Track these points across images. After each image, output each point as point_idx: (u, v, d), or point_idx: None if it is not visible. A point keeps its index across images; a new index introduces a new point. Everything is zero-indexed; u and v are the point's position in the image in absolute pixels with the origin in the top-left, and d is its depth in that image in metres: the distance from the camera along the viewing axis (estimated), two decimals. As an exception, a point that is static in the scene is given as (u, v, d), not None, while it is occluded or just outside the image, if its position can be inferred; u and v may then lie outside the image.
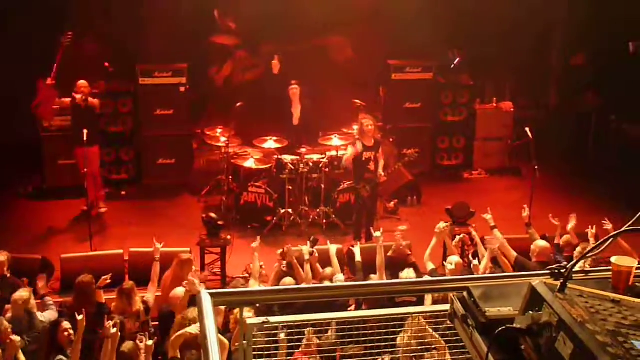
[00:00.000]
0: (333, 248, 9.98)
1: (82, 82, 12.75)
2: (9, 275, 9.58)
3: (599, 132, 15.91)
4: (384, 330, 4.68)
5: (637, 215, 3.35)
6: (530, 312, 3.08)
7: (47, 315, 8.78)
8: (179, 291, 8.79)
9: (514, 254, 9.82)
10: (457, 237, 10.40)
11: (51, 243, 11.99)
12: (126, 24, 14.49)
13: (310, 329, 6.93)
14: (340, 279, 9.32)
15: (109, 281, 8.98)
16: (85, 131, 11.96)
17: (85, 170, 11.92)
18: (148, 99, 14.18)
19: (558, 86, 16.86)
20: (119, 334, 7.82)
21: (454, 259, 9.52)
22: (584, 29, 15.36)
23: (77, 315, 7.84)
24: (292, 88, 13.80)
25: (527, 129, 12.68)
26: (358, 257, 9.95)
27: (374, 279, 9.55)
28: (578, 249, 9.76)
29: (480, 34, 15.27)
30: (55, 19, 13.90)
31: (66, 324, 8.03)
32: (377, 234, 9.88)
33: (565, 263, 3.26)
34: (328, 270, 9.57)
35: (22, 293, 8.71)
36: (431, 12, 14.54)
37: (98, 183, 13.11)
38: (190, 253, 10.29)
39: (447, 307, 3.79)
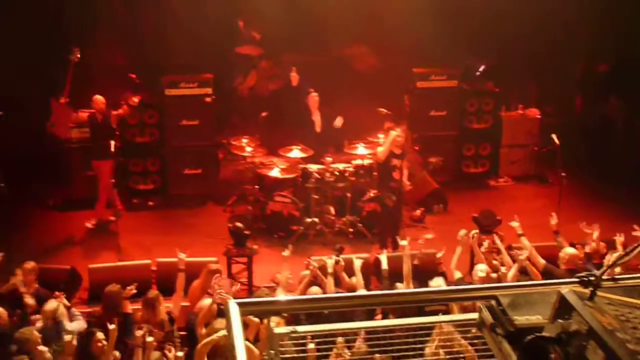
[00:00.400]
0: (358, 263, 9.88)
1: (98, 97, 12.84)
2: (37, 285, 9.66)
3: (625, 138, 15.77)
4: (412, 340, 4.67)
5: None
6: (560, 321, 3.06)
7: (75, 326, 8.83)
8: (207, 302, 8.84)
9: (542, 261, 9.78)
10: (486, 243, 10.32)
11: (79, 253, 12.07)
12: (152, 36, 14.58)
13: (341, 339, 6.92)
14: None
15: (134, 291, 9.03)
16: (112, 142, 12.05)
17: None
18: (174, 109, 14.25)
19: (583, 92, 16.75)
20: (149, 343, 7.88)
21: (484, 267, 9.49)
22: (608, 34, 15.26)
23: (108, 325, 7.89)
24: (312, 96, 13.82)
25: (554, 136, 12.61)
26: (384, 266, 9.93)
27: (400, 288, 9.54)
28: (607, 257, 9.69)
29: (505, 41, 15.22)
30: (79, 34, 14.03)
31: (100, 335, 8.07)
32: (404, 242, 9.86)
33: (595, 271, 3.24)
34: (354, 279, 9.56)
35: (52, 304, 8.77)
36: (455, 19, 14.53)
37: (111, 196, 13.15)
38: (217, 263, 10.32)
39: (475, 315, 3.78)
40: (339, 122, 13.60)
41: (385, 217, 12.46)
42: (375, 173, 12.98)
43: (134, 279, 9.57)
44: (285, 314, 6.34)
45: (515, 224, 10.35)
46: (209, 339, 7.88)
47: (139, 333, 7.82)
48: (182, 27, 14.46)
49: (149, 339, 7.83)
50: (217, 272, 9.57)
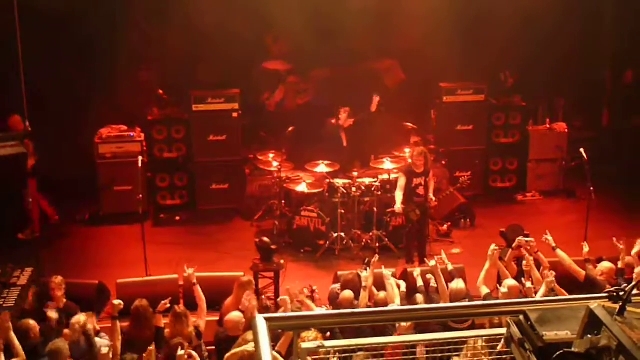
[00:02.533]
0: (389, 276, 9.83)
1: (17, 117, 12.65)
2: (65, 300, 9.72)
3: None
4: (439, 355, 4.65)
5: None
6: (589, 336, 3.05)
7: (104, 341, 8.87)
8: (234, 315, 8.87)
9: (583, 272, 9.74)
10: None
11: (107, 268, 12.12)
12: (179, 52, 14.67)
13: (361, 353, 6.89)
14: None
15: (168, 305, 9.07)
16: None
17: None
18: (201, 125, 14.32)
19: (611, 106, 16.64)
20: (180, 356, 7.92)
21: (508, 283, 9.44)
22: (634, 46, 15.17)
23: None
24: (342, 111, 13.86)
25: (582, 150, 12.55)
26: (420, 282, 9.92)
27: (419, 300, 9.53)
28: (637, 271, 9.60)
29: (532, 54, 15.18)
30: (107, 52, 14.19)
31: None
32: (432, 262, 9.79)
33: (625, 286, 3.22)
34: (382, 294, 9.53)
35: (80, 317, 8.83)
36: (482, 33, 14.52)
37: (42, 204, 13.27)
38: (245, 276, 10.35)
39: (503, 330, 3.77)
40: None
41: (410, 232, 12.42)
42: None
43: (162, 293, 9.61)
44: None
45: (548, 237, 10.27)
46: (237, 350, 7.92)
47: (180, 353, 7.89)
48: (209, 43, 14.52)
49: (180, 352, 7.89)
50: (249, 285, 9.60)
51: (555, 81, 15.76)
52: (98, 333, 9.14)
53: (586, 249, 10.33)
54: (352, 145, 14.01)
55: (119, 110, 14.73)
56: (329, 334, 7.55)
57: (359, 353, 6.77)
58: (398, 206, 12.08)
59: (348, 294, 9.38)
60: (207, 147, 14.36)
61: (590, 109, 16.78)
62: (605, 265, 9.98)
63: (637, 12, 14.20)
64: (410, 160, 12.37)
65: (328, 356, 4.46)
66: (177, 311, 8.97)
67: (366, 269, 9.75)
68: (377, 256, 9.98)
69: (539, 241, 10.39)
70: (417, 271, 10.21)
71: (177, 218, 14.32)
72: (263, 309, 9.29)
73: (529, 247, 10.19)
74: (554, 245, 10.13)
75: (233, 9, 14.30)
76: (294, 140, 14.56)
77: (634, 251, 10.26)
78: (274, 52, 15.68)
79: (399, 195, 12.09)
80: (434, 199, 12.29)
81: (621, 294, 3.21)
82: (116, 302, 8.97)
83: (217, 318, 9.57)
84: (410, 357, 5.07)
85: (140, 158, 12.50)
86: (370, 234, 12.90)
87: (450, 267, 10.05)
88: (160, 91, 14.48)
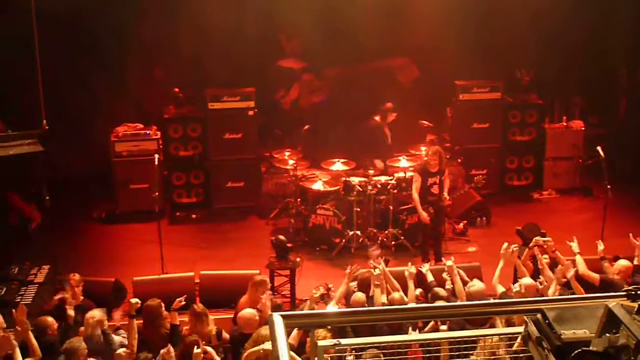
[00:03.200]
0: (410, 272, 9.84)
1: None
2: (82, 297, 9.77)
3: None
4: (456, 353, 4.64)
5: None
6: (607, 335, 3.03)
7: (121, 339, 8.91)
8: (247, 312, 8.89)
9: (597, 276, 9.70)
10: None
11: (124, 266, 12.17)
12: (195, 50, 14.70)
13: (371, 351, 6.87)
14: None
15: (183, 303, 9.10)
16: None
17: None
18: (217, 123, 14.34)
19: (627, 102, 16.55)
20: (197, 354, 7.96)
21: (524, 281, 9.40)
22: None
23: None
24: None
25: (599, 148, 12.49)
26: (430, 277, 9.91)
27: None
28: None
29: (548, 52, 15.10)
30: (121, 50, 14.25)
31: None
32: (449, 262, 9.75)
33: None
34: (396, 294, 9.51)
35: (94, 313, 8.87)
36: (497, 31, 14.46)
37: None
38: (260, 274, 10.37)
39: (520, 329, 3.75)
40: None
41: (425, 230, 12.40)
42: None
43: (178, 291, 9.65)
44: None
45: (573, 243, 10.23)
46: (255, 348, 7.94)
47: (197, 351, 7.92)
48: (225, 41, 14.54)
49: (197, 350, 7.93)
50: (262, 284, 9.60)
51: (571, 79, 15.68)
52: (117, 330, 9.20)
53: (601, 247, 10.29)
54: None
55: (136, 108, 14.79)
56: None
57: (368, 351, 6.80)
58: (424, 215, 12.04)
59: (359, 296, 9.35)
60: (222, 145, 14.37)
61: (606, 106, 16.68)
62: (622, 263, 9.94)
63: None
64: (425, 159, 12.33)
65: (344, 354, 4.45)
66: (197, 310, 8.99)
67: (375, 268, 9.72)
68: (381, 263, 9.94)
69: (557, 241, 10.35)
70: (425, 267, 10.19)
71: (193, 216, 14.35)
72: (275, 308, 9.30)
73: (545, 247, 10.15)
74: (577, 251, 10.08)
75: (248, 7, 14.31)
76: (310, 138, 14.59)
77: None
78: (288, 51, 15.67)
79: (416, 198, 12.06)
80: (448, 197, 12.24)
81: (639, 292, 3.19)
82: (133, 300, 9.00)
83: (232, 316, 9.58)
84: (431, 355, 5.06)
85: (156, 156, 12.54)
86: (386, 232, 12.88)
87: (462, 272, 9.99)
88: (176, 89, 14.51)
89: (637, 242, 10.30)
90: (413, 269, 9.82)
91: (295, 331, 7.79)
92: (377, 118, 14.18)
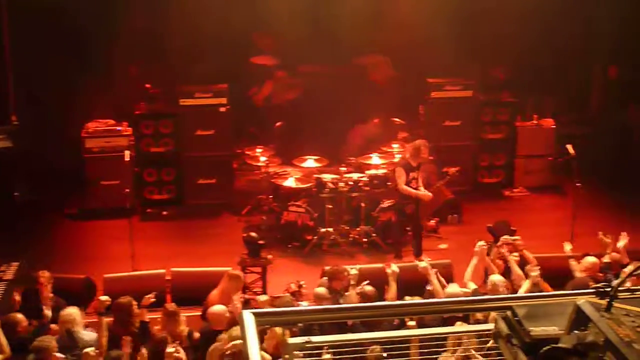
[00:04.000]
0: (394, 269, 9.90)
1: None
2: (52, 295, 9.69)
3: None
4: (427, 350, 4.66)
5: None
6: (576, 332, 3.05)
7: (91, 336, 8.83)
8: (218, 308, 8.88)
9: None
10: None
11: (94, 263, 12.08)
12: (167, 46, 14.64)
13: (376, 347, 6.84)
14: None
15: (153, 300, 9.06)
16: None
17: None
18: (189, 119, 14.29)
19: (599, 101, 16.68)
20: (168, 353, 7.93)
21: (494, 279, 9.47)
22: (622, 42, 15.17)
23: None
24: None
25: (569, 146, 12.58)
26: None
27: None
28: (630, 267, 9.63)
29: (520, 50, 15.17)
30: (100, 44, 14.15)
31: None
32: (423, 264, 9.75)
33: (613, 280, 3.23)
34: (367, 288, 9.54)
35: (67, 311, 8.80)
36: (471, 29, 14.52)
37: None
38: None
39: (490, 326, 3.77)
40: None
41: (401, 226, 12.41)
42: (390, 183, 13.00)
43: (149, 288, 9.60)
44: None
45: (568, 247, 10.36)
46: (220, 344, 7.95)
47: (170, 350, 7.89)
48: (197, 37, 14.50)
49: (170, 349, 7.89)
50: (238, 279, 9.61)
51: (544, 77, 15.76)
52: (85, 328, 9.12)
53: (568, 247, 10.40)
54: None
55: (107, 104, 14.68)
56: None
57: (374, 347, 6.81)
58: (427, 194, 12.19)
59: (320, 290, 9.41)
60: (194, 142, 14.32)
61: (577, 105, 16.80)
62: (589, 260, 10.02)
63: (623, 7, 14.22)
64: (407, 155, 12.33)
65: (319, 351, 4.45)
66: (169, 310, 8.95)
67: (355, 268, 9.77)
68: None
69: (529, 238, 10.44)
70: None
71: (165, 213, 14.27)
72: (244, 304, 9.30)
73: (513, 245, 10.23)
74: (570, 254, 10.26)
75: (221, 4, 14.26)
76: (283, 136, 14.57)
77: (619, 244, 10.31)
78: (262, 48, 15.63)
79: (407, 188, 12.07)
80: (428, 193, 12.27)
81: (608, 289, 3.21)
82: (103, 298, 8.95)
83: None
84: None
85: (127, 152, 12.48)
86: (358, 229, 12.90)
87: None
88: (148, 85, 14.43)
89: (608, 240, 10.40)
90: (395, 268, 9.87)
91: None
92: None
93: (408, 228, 12.87)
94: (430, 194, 12.20)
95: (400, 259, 11.98)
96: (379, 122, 14.52)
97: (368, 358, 6.93)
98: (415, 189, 12.14)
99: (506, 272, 10.12)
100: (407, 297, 9.55)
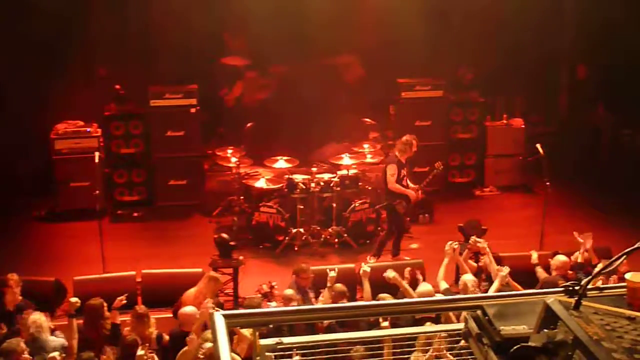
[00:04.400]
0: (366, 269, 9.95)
1: None
2: (21, 298, 9.60)
3: (612, 147, 15.81)
4: (399, 350, 4.67)
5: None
6: (545, 330, 3.06)
7: (59, 341, 8.76)
8: (189, 309, 8.85)
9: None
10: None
11: (64, 265, 11.98)
12: (137, 47, 14.57)
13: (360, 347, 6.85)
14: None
15: (124, 302, 9.02)
16: None
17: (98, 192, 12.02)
18: (159, 120, 14.22)
19: (568, 101, 16.81)
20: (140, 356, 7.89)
21: (465, 278, 9.53)
22: (592, 43, 15.29)
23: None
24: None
25: (538, 145, 12.67)
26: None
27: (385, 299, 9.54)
28: (599, 266, 9.73)
29: (490, 50, 15.23)
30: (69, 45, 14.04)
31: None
32: (392, 274, 9.70)
33: (583, 279, 3.25)
34: (338, 285, 9.57)
35: (35, 316, 8.73)
36: (440, 31, 14.56)
37: None
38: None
39: (461, 325, 3.78)
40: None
41: (391, 225, 12.38)
42: (360, 183, 13.05)
43: (119, 290, 9.55)
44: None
45: (534, 254, 10.45)
46: (189, 348, 7.93)
47: (140, 352, 7.85)
48: (167, 38, 14.44)
49: (140, 352, 7.85)
50: (215, 280, 9.62)
51: (513, 77, 15.84)
52: (53, 331, 9.04)
53: (534, 255, 10.49)
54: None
55: (76, 106, 14.56)
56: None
57: (357, 347, 6.81)
58: (414, 194, 12.16)
59: (288, 292, 9.43)
60: (165, 143, 14.26)
61: (547, 104, 16.92)
62: (559, 259, 10.11)
63: (592, 7, 14.33)
64: (397, 152, 12.33)
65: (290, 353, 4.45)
66: (138, 312, 8.91)
67: (334, 270, 9.77)
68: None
69: (499, 237, 10.52)
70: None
71: (135, 214, 14.19)
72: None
73: (478, 248, 10.33)
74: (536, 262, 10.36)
75: (192, 4, 14.21)
76: (253, 136, 14.54)
77: (587, 245, 10.42)
78: (233, 48, 15.59)
79: (398, 186, 12.05)
80: (416, 186, 12.32)
81: (577, 288, 3.24)
82: (73, 299, 8.88)
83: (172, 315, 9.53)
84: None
85: (97, 154, 12.41)
86: (330, 229, 12.90)
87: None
88: (118, 86, 14.34)
89: (582, 240, 10.49)
90: (367, 268, 9.91)
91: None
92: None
93: (380, 228, 12.93)
94: (413, 192, 12.22)
95: (377, 258, 12.00)
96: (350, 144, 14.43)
97: (352, 358, 6.94)
98: (406, 186, 12.15)
99: (478, 272, 10.19)
100: (382, 295, 9.59)
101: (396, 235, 12.38)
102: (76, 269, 11.51)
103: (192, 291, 9.63)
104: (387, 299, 9.30)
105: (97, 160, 12.25)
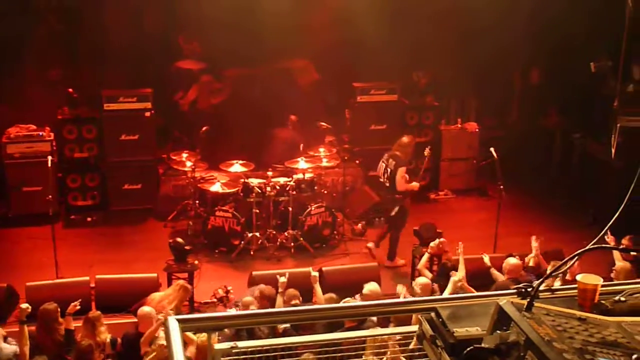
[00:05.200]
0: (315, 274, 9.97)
1: None
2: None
3: (564, 150, 15.99)
4: (353, 353, 4.67)
5: (601, 233, 3.39)
6: (498, 332, 3.09)
7: (12, 348, 8.64)
8: (147, 309, 8.81)
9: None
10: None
11: (16, 271, 11.81)
12: (91, 50, 14.44)
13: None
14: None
15: (78, 307, 8.93)
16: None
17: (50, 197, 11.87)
18: (113, 124, 14.10)
19: (521, 105, 16.95)
20: None
21: (420, 281, 9.62)
22: (542, 46, 15.44)
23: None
24: (293, 120, 14.54)
25: (492, 149, 12.79)
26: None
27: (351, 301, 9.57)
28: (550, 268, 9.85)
29: (444, 54, 15.31)
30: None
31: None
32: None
33: (535, 281, 3.29)
34: (291, 290, 9.58)
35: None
36: (395, 34, 14.60)
37: None
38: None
39: (415, 328, 3.80)
40: None
41: (400, 221, 12.45)
42: (316, 187, 13.07)
43: (73, 296, 9.45)
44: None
45: (486, 257, 10.55)
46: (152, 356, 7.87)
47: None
48: (121, 41, 14.32)
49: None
50: (187, 291, 9.54)
51: (467, 81, 15.94)
52: (5, 338, 8.91)
53: (486, 258, 10.60)
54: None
55: (29, 109, 14.38)
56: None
57: (306, 353, 6.80)
58: (417, 185, 12.53)
59: (248, 299, 9.43)
60: (119, 147, 14.15)
61: (501, 108, 17.06)
62: (511, 261, 10.20)
63: (546, 10, 14.47)
64: (399, 153, 12.50)
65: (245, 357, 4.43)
66: (89, 316, 8.83)
67: (284, 275, 9.79)
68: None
69: (453, 239, 10.61)
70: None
71: (89, 219, 14.05)
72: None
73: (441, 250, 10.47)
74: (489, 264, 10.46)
75: (146, 7, 14.12)
76: (208, 140, 14.47)
77: (534, 247, 10.56)
78: (187, 52, 15.51)
79: (408, 186, 12.29)
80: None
81: (529, 289, 3.27)
82: (24, 305, 8.76)
83: (129, 320, 9.45)
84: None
85: (49, 158, 12.26)
86: (286, 233, 12.89)
87: None
88: (70, 90, 14.19)
89: (536, 244, 10.62)
90: (315, 273, 9.96)
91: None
92: (290, 127, 14.39)
93: (331, 233, 13.02)
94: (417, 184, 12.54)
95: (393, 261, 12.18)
96: (295, 122, 14.50)
97: None
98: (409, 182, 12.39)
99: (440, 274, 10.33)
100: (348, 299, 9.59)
101: (397, 237, 12.49)
102: (29, 274, 11.36)
103: (157, 295, 9.57)
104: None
105: (49, 164, 12.11)
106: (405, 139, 12.68)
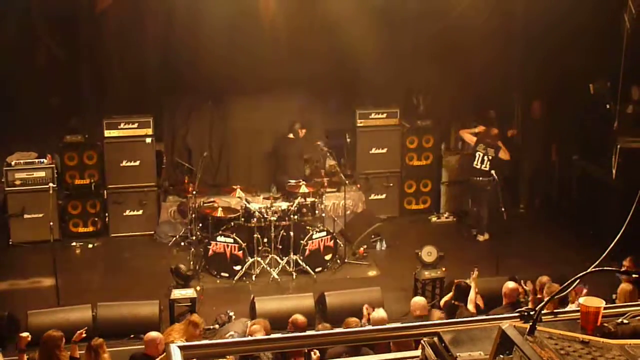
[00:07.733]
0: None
1: None
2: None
3: (562, 175, 15.87)
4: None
5: (602, 255, 3.39)
6: (501, 356, 3.09)
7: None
8: (154, 334, 8.78)
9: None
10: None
11: (18, 299, 11.79)
12: (91, 77, 14.49)
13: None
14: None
15: (84, 335, 8.88)
16: None
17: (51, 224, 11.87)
18: (114, 150, 14.15)
19: (522, 136, 16.74)
20: None
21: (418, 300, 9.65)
22: (541, 77, 15.34)
23: None
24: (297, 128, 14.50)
25: (493, 172, 12.78)
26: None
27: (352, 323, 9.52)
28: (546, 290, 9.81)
29: (445, 79, 15.30)
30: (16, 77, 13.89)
31: None
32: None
33: (538, 304, 3.28)
34: (298, 316, 9.53)
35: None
36: (395, 59, 14.63)
37: None
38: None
39: (417, 353, 3.79)
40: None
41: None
42: (317, 211, 13.07)
43: (75, 323, 9.44)
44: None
45: (472, 275, 10.52)
46: None
47: None
48: (122, 67, 14.36)
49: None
50: (197, 326, 9.40)
51: (468, 105, 15.90)
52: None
53: (474, 273, 10.53)
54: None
55: (29, 137, 14.40)
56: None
57: None
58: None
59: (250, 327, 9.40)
60: (120, 173, 14.19)
61: (501, 132, 16.98)
62: (510, 285, 10.13)
63: (544, 41, 14.46)
64: (489, 141, 13.94)
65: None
66: (91, 344, 8.77)
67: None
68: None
69: (454, 262, 10.60)
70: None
71: (90, 245, 14.05)
72: None
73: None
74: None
75: (148, 33, 14.13)
76: (209, 165, 14.49)
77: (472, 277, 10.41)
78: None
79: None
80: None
81: (532, 313, 3.27)
82: (24, 334, 8.71)
83: (132, 347, 9.41)
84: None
85: (50, 185, 12.28)
86: (287, 258, 12.86)
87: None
88: (71, 117, 14.24)
89: (527, 287, 10.50)
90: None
91: None
92: (291, 135, 14.39)
93: (332, 257, 13.00)
94: None
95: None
96: (299, 130, 14.50)
97: None
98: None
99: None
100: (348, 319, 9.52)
101: None
102: (30, 302, 11.33)
103: (177, 328, 9.48)
104: (353, 322, 9.32)
105: (51, 191, 12.12)
106: (494, 130, 14.42)
